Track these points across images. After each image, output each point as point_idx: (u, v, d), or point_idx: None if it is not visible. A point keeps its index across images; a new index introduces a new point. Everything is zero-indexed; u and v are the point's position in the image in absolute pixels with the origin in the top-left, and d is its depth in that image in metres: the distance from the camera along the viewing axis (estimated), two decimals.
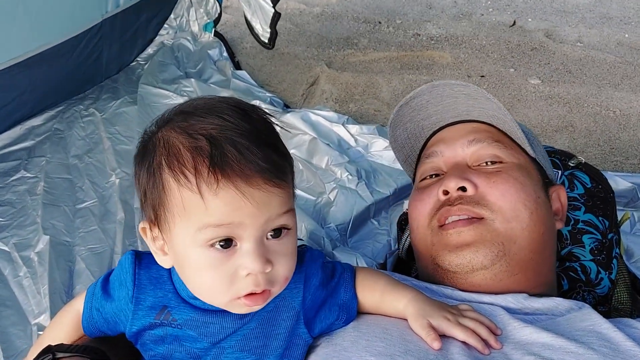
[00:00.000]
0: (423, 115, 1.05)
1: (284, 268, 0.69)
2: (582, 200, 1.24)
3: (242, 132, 0.66)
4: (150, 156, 0.68)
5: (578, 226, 1.20)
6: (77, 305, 0.79)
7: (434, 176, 1.00)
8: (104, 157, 1.90)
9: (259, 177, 0.64)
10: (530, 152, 0.98)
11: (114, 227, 1.65)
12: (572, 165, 1.31)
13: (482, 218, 0.90)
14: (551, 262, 0.98)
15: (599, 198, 1.25)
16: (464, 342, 0.75)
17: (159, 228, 0.69)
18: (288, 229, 0.69)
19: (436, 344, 0.73)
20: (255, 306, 0.69)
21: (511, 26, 2.92)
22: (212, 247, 0.65)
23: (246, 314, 0.72)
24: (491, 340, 0.75)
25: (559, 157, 1.32)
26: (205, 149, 0.64)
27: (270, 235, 0.67)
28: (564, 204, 1.03)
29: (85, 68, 2.14)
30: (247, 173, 0.64)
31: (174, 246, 0.68)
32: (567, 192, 1.25)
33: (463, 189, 0.91)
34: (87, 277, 1.50)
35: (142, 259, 0.76)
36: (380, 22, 3.00)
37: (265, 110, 0.72)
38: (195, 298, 0.72)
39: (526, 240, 0.90)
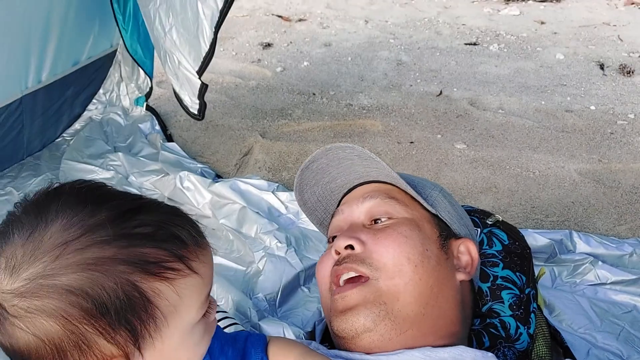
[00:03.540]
0: (328, 178, 1.06)
1: None
2: (500, 257, 1.25)
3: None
4: (105, 286, 0.58)
5: (497, 282, 1.21)
6: None
7: (335, 237, 1.00)
8: None
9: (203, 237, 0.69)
10: (427, 205, 1.00)
11: None
12: (490, 223, 1.34)
13: (368, 278, 0.90)
14: (452, 314, 0.97)
15: (516, 254, 1.27)
16: None
17: (140, 350, 0.61)
18: None
19: None
20: None
21: (438, 95, 3.06)
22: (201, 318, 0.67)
23: None
24: None
25: (478, 216, 1.35)
26: (160, 236, 0.63)
27: None
28: (474, 256, 1.04)
29: (3, 146, 2.05)
30: (197, 238, 0.67)
31: (163, 350, 0.63)
32: (486, 249, 1.28)
33: (351, 247, 0.92)
34: None
35: None
36: (314, 94, 3.09)
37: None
38: None
39: (411, 295, 0.89)
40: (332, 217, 1.05)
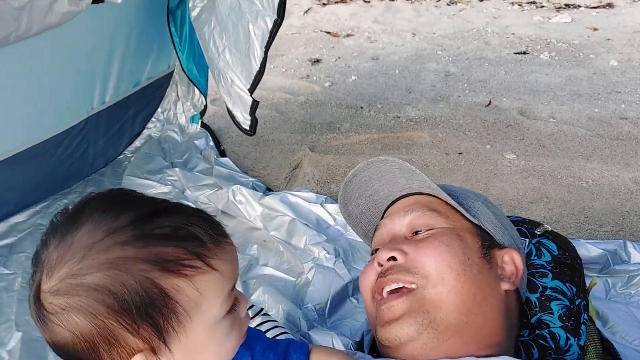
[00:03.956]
0: (371, 191, 1.10)
1: None
2: (549, 267, 1.25)
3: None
4: (126, 284, 0.63)
5: (546, 293, 1.20)
6: None
7: (378, 249, 1.04)
8: None
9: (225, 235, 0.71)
10: (468, 216, 1.02)
11: None
12: (538, 233, 1.33)
13: (413, 287, 0.93)
14: (496, 323, 0.97)
15: (566, 265, 1.26)
16: None
17: (165, 344, 0.66)
18: None
19: None
20: None
21: (487, 106, 3.04)
22: (227, 313, 0.70)
23: None
24: None
25: (526, 226, 1.35)
26: (178, 236, 0.66)
27: None
28: (518, 266, 1.04)
29: (70, 164, 2.17)
30: (216, 237, 0.69)
31: (188, 344, 0.67)
32: (535, 259, 1.28)
33: (394, 258, 0.95)
34: None
35: None
36: (362, 107, 3.13)
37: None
38: None
39: (453, 303, 0.91)
40: (375, 230, 1.09)
